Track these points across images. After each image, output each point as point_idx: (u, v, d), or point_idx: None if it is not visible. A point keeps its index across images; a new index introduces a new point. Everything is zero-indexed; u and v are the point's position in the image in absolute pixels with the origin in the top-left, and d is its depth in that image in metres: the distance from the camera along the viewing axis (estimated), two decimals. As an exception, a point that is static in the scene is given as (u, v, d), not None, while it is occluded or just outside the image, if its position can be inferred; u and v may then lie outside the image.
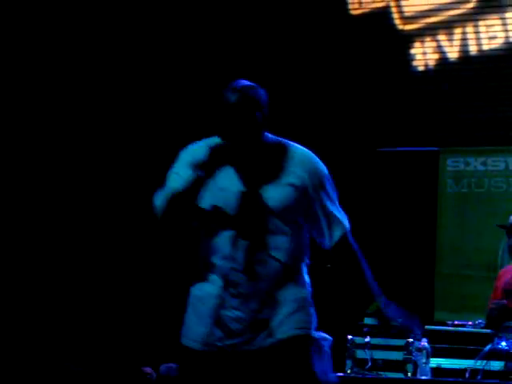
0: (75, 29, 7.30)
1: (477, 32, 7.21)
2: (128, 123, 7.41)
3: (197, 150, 3.12)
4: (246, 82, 3.15)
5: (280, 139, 3.24)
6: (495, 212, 6.93)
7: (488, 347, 4.82)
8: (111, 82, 7.39)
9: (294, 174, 3.15)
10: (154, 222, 3.15)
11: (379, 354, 4.90)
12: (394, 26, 7.42)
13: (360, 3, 7.50)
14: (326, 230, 3.26)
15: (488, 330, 5.04)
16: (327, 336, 3.23)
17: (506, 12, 7.15)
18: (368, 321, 5.04)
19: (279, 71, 7.43)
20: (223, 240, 3.10)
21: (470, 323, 5.17)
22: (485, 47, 7.19)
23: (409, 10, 7.40)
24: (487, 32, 7.18)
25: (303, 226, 3.20)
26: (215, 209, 3.10)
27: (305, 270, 3.20)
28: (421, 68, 7.38)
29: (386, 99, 7.39)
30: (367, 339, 4.92)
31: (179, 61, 7.49)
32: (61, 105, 7.27)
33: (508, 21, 7.13)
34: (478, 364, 4.76)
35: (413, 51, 7.39)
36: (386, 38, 7.43)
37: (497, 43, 7.16)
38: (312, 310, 3.16)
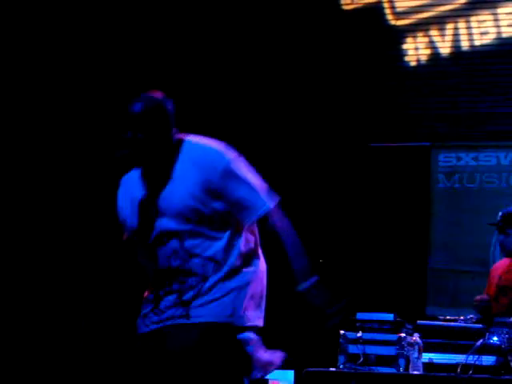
0: (75, 29, 7.29)
1: (469, 27, 7.22)
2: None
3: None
4: (151, 94, 3.25)
5: (180, 137, 3.22)
6: (487, 207, 6.95)
7: (480, 342, 4.83)
8: (111, 82, 7.38)
9: (185, 172, 3.14)
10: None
11: (371, 349, 4.91)
12: (386, 21, 7.42)
13: (352, -2, 7.51)
14: (244, 216, 3.15)
15: (479, 325, 5.06)
16: (251, 337, 3.17)
17: (497, 8, 7.15)
18: (360, 316, 5.05)
19: (271, 66, 7.43)
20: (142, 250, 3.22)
21: (462, 318, 5.18)
22: (476, 43, 7.20)
23: (401, 6, 7.40)
24: (479, 27, 7.19)
25: (226, 219, 3.15)
26: (126, 223, 3.24)
27: (237, 262, 3.15)
28: (413, 63, 7.39)
29: (378, 94, 7.39)
30: (359, 334, 4.93)
31: (177, 60, 7.48)
32: (61, 105, 7.26)
33: (500, 16, 7.14)
34: (470, 359, 4.77)
35: (405, 46, 7.40)
36: (378, 33, 7.43)
37: (488, 39, 7.17)
38: (237, 303, 3.12)
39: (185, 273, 3.12)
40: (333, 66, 7.45)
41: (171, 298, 3.13)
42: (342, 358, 4.93)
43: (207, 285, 3.10)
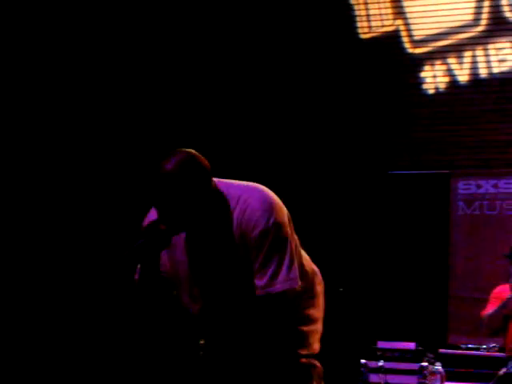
0: (75, 29, 7.32)
1: (487, 55, 7.22)
2: (127, 124, 7.42)
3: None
4: (171, 166, 2.84)
5: (223, 192, 2.95)
6: (507, 234, 6.91)
7: (502, 371, 4.79)
8: (111, 82, 7.41)
9: (232, 234, 2.91)
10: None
11: (393, 379, 4.89)
12: (403, 49, 7.44)
13: (370, 27, 7.53)
14: (265, 281, 2.91)
15: (502, 354, 5.02)
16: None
17: (515, 35, 7.16)
18: (381, 345, 5.03)
19: (291, 96, 7.45)
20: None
21: (484, 347, 5.15)
22: (495, 70, 7.20)
23: (418, 34, 7.42)
24: (497, 55, 7.19)
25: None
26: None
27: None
28: (431, 91, 7.39)
29: (397, 122, 7.39)
30: (381, 363, 4.91)
31: (180, 66, 7.50)
32: (61, 105, 7.29)
33: (518, 44, 7.15)
34: (493, 388, 4.73)
35: (423, 74, 7.41)
36: (396, 61, 7.45)
37: (507, 66, 7.17)
38: None
39: None
40: (351, 95, 7.47)
41: None
42: (364, 388, 4.91)
43: None
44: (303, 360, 3.03)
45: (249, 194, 2.92)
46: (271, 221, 2.88)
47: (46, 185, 7.16)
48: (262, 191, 2.94)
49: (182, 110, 7.42)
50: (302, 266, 3.02)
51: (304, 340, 3.05)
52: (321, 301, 3.14)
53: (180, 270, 3.03)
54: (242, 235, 2.90)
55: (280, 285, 2.88)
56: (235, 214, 2.90)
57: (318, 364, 3.08)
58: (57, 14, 7.25)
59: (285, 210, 2.95)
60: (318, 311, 3.12)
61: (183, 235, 3.00)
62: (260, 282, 2.88)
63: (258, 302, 2.90)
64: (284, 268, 2.89)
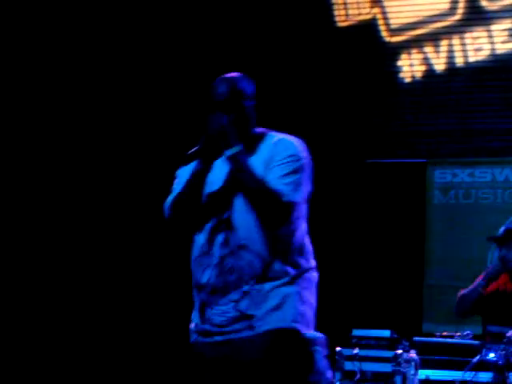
0: (75, 29, 7.30)
1: (463, 44, 7.24)
2: (129, 122, 7.40)
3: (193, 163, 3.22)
4: (234, 74, 3.28)
5: (265, 130, 3.27)
6: (483, 223, 6.95)
7: (476, 358, 4.81)
8: (111, 82, 7.39)
9: (260, 157, 3.16)
10: (164, 225, 3.23)
11: (368, 366, 4.90)
12: (380, 37, 7.44)
13: (346, 15, 7.52)
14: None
15: (476, 342, 5.05)
16: (318, 334, 3.17)
17: (491, 24, 7.18)
18: (356, 332, 5.04)
19: (265, 83, 7.43)
20: (203, 235, 3.18)
21: (459, 334, 5.17)
22: (471, 59, 7.22)
23: (395, 22, 7.42)
24: (473, 44, 7.21)
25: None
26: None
27: (290, 262, 3.14)
28: (408, 80, 7.40)
29: (373, 111, 7.40)
30: (356, 351, 4.92)
31: (176, 65, 7.49)
32: (61, 105, 7.27)
33: (494, 33, 7.16)
34: (467, 375, 4.76)
35: (399, 63, 7.41)
36: (373, 49, 7.45)
37: (483, 55, 7.19)
38: (300, 306, 3.12)
39: (232, 269, 3.10)
40: (327, 83, 7.46)
41: (227, 305, 3.10)
42: (338, 375, 4.91)
43: (261, 289, 3.08)
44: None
45: (285, 135, 3.25)
46: (303, 154, 3.20)
47: (46, 182, 7.15)
48: (294, 138, 3.26)
49: (176, 107, 7.40)
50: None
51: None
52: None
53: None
54: (270, 159, 3.13)
55: (292, 195, 3.08)
56: (263, 144, 3.18)
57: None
58: (57, 14, 7.22)
59: (308, 156, 3.25)
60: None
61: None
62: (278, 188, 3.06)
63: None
64: (294, 189, 3.09)
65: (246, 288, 3.08)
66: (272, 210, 3.05)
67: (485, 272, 5.57)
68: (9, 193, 7.06)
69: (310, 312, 3.17)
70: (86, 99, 7.36)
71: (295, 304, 3.10)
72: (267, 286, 3.08)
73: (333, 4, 7.54)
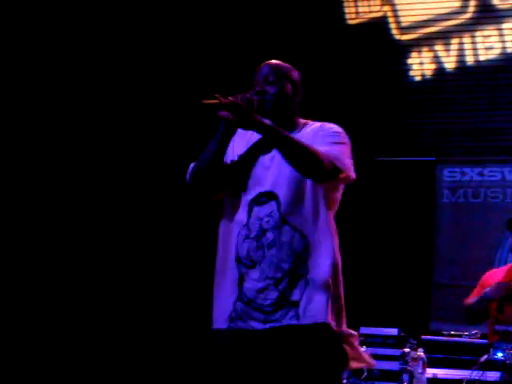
0: (75, 29, 7.31)
1: (474, 42, 7.23)
2: (128, 120, 7.41)
3: None
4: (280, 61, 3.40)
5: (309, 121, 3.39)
6: (492, 222, 6.93)
7: (484, 357, 4.81)
8: (110, 81, 7.40)
9: (303, 135, 3.23)
10: (184, 192, 3.20)
11: (375, 364, 4.89)
12: (391, 36, 7.43)
13: (357, 13, 7.52)
14: None
15: (484, 341, 5.04)
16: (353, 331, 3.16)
17: (502, 23, 7.16)
18: (364, 330, 5.03)
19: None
20: (241, 208, 3.14)
21: (466, 333, 5.16)
22: (481, 58, 7.21)
23: (406, 21, 7.41)
24: (484, 43, 7.20)
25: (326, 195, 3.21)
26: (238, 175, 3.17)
27: (331, 246, 3.15)
28: (418, 78, 7.39)
29: (384, 109, 7.39)
30: (363, 349, 4.91)
31: (177, 65, 7.49)
32: (60, 105, 7.28)
33: (505, 31, 7.15)
34: (474, 374, 4.75)
35: (410, 61, 7.40)
36: (383, 47, 7.44)
37: (493, 54, 7.18)
38: (338, 300, 3.11)
39: (272, 244, 3.06)
40: (337, 81, 7.45)
41: (265, 281, 3.04)
42: (346, 373, 4.91)
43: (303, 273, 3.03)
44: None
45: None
46: (347, 136, 3.27)
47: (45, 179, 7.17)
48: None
49: (176, 107, 7.40)
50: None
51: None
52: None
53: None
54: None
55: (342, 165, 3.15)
56: (306, 128, 3.31)
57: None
58: (57, 14, 7.23)
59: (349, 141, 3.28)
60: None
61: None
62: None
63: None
64: (342, 151, 3.18)
65: (286, 266, 3.03)
66: (314, 161, 3.04)
67: (488, 291, 5.49)
68: (8, 193, 7.07)
69: (342, 307, 3.15)
70: (85, 99, 7.36)
71: (334, 297, 3.07)
72: (310, 271, 3.04)
73: (343, 1, 7.54)
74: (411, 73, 7.39)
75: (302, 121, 3.38)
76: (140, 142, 7.39)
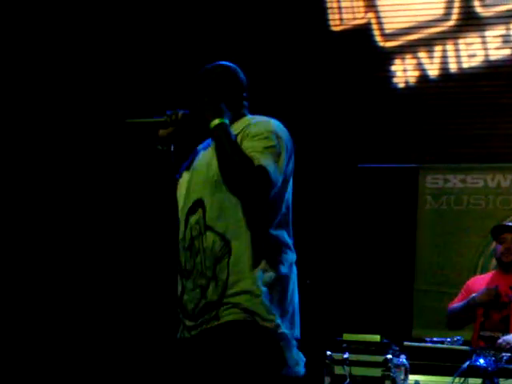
0: (75, 28, 7.30)
1: (457, 50, 7.25)
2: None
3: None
4: (223, 62, 3.36)
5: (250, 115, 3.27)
6: (473, 229, 6.95)
7: (466, 364, 4.82)
8: (109, 81, 7.40)
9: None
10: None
11: (358, 371, 4.89)
12: (374, 42, 7.45)
13: (341, 20, 7.53)
14: None
15: (466, 347, 5.05)
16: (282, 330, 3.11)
17: (485, 31, 7.19)
18: (346, 337, 5.03)
19: (258, 86, 7.42)
20: (182, 220, 3.17)
21: (449, 340, 5.17)
22: (465, 65, 7.23)
23: (389, 28, 7.43)
24: (467, 50, 7.22)
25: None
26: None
27: (261, 250, 3.04)
28: (401, 85, 7.41)
29: (367, 116, 7.40)
30: (346, 355, 4.91)
31: (169, 67, 7.49)
32: (60, 105, 7.27)
33: (487, 39, 7.18)
34: (456, 381, 4.76)
35: (393, 68, 7.42)
36: (367, 54, 7.46)
37: (476, 61, 7.20)
38: (264, 296, 3.02)
39: (198, 252, 3.06)
40: (321, 87, 7.46)
41: (194, 290, 3.06)
42: (328, 380, 4.91)
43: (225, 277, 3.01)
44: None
45: (265, 116, 3.22)
46: (283, 134, 3.17)
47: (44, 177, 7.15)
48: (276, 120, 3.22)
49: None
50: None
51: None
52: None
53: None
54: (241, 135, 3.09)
55: (261, 162, 2.99)
56: (247, 120, 3.17)
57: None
58: (56, 14, 7.22)
59: (288, 137, 3.21)
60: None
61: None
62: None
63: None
64: (269, 159, 3.03)
65: (209, 273, 3.03)
66: (245, 175, 2.96)
67: (476, 295, 5.49)
68: (7, 193, 7.05)
69: (280, 306, 3.06)
70: (83, 100, 7.35)
71: (262, 297, 3.01)
72: (231, 274, 3.01)
73: (327, 8, 7.54)
74: (395, 80, 7.41)
75: (247, 117, 3.25)
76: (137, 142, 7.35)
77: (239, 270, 3.01)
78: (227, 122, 3.07)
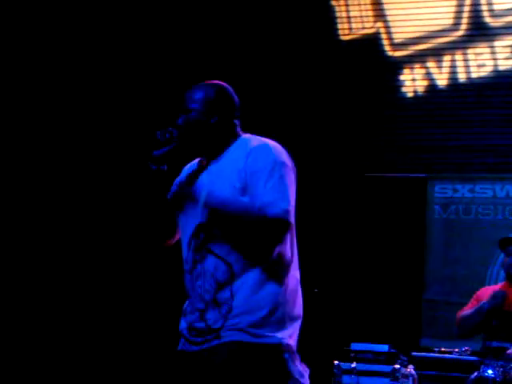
0: (75, 28, 7.32)
1: (466, 60, 7.25)
2: (124, 123, 7.41)
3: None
4: (214, 81, 3.22)
5: (239, 134, 3.20)
6: (483, 239, 6.94)
7: (474, 375, 4.80)
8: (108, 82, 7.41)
9: (233, 159, 3.09)
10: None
11: (366, 380, 4.89)
12: (383, 52, 7.45)
13: (350, 29, 7.54)
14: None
15: (474, 358, 5.03)
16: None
17: (494, 41, 7.19)
18: (355, 346, 5.03)
19: (268, 96, 7.44)
20: (185, 244, 3.17)
21: (457, 350, 5.16)
22: (473, 75, 7.23)
23: (398, 37, 7.43)
24: (476, 60, 7.22)
25: None
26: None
27: (259, 270, 3.03)
28: (410, 94, 7.41)
29: (375, 125, 7.40)
30: (354, 365, 4.91)
31: (172, 69, 7.50)
32: (60, 105, 7.28)
33: (496, 49, 7.18)
34: (465, 391, 4.74)
35: (402, 77, 7.42)
36: (376, 64, 7.46)
37: (485, 71, 7.20)
38: (267, 315, 3.02)
39: (202, 275, 3.06)
40: (330, 96, 7.47)
41: (194, 314, 3.08)
42: (335, 389, 4.90)
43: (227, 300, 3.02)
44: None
45: (261, 140, 3.12)
46: (283, 159, 3.07)
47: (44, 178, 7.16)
48: (272, 142, 3.13)
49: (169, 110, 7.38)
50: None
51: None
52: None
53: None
54: (245, 169, 3.03)
55: (275, 210, 2.95)
56: (243, 152, 3.07)
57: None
58: (56, 14, 7.24)
59: (288, 159, 3.13)
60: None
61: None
62: (256, 202, 2.97)
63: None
64: (282, 197, 2.99)
65: (208, 297, 3.04)
66: (263, 229, 2.97)
67: (486, 301, 5.48)
68: (7, 193, 7.06)
69: (283, 320, 3.06)
70: (83, 99, 7.36)
71: (266, 316, 3.02)
72: (234, 298, 3.02)
73: (336, 18, 7.56)
74: (403, 89, 7.41)
75: (243, 136, 3.19)
76: (136, 143, 7.36)
77: (242, 293, 3.02)
78: (212, 193, 3.03)
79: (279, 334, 3.03)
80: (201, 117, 3.12)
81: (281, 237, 3.02)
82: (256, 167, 3.03)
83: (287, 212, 2.99)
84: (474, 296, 5.72)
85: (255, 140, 3.14)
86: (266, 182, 3.00)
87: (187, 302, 3.17)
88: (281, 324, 3.04)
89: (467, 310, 5.56)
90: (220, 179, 3.07)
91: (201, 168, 3.20)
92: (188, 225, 3.14)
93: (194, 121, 3.12)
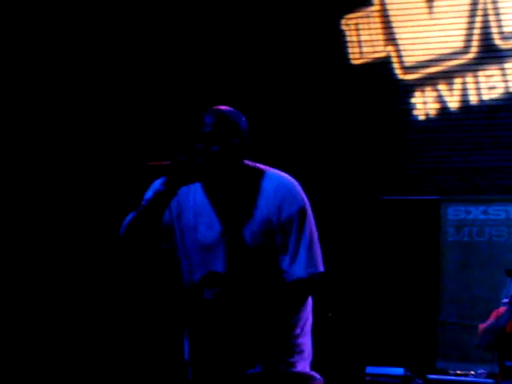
0: (75, 29, 7.35)
1: (477, 82, 7.27)
2: (123, 126, 7.42)
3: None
4: (225, 107, 3.19)
5: (257, 166, 3.20)
6: (496, 261, 6.92)
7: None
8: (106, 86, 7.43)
9: (265, 208, 3.10)
10: (116, 243, 3.19)
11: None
12: (394, 75, 7.48)
13: (361, 53, 7.58)
14: (288, 264, 3.09)
15: (490, 380, 5.02)
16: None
17: (505, 63, 7.21)
18: (370, 370, 5.02)
19: (280, 121, 7.47)
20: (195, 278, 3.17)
21: (473, 373, 5.14)
22: (485, 97, 7.25)
23: (409, 61, 7.46)
24: (487, 82, 7.24)
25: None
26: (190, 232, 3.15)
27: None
28: (421, 117, 7.43)
29: (387, 148, 7.42)
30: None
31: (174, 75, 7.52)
32: (60, 105, 7.30)
33: (507, 71, 7.20)
34: (481, 414, 4.72)
35: (413, 101, 7.45)
36: (387, 87, 7.49)
37: (496, 93, 7.22)
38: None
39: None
40: (341, 120, 7.49)
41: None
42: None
43: None
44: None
45: (281, 173, 3.15)
46: (305, 201, 3.12)
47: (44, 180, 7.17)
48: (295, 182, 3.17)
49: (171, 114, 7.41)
50: None
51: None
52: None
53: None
54: (270, 210, 3.06)
55: (305, 270, 3.03)
56: (266, 185, 3.09)
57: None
58: (56, 14, 7.27)
59: (304, 194, 3.19)
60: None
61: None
62: (286, 264, 3.04)
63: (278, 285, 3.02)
64: (313, 252, 3.08)
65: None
66: (307, 296, 3.14)
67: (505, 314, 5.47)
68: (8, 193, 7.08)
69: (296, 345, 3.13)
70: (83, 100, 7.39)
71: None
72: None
73: (347, 42, 7.60)
74: (415, 112, 7.43)
75: (252, 166, 3.21)
76: (135, 145, 7.37)
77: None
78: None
79: (292, 359, 3.11)
80: (236, 146, 3.13)
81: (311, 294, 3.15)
82: (284, 211, 3.09)
83: (317, 276, 3.09)
84: (494, 312, 5.70)
85: (274, 173, 3.16)
86: (297, 241, 3.08)
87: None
88: (296, 348, 3.13)
89: (489, 321, 5.54)
90: (255, 223, 3.08)
91: (209, 194, 3.17)
92: (195, 266, 3.17)
93: (230, 150, 3.12)
